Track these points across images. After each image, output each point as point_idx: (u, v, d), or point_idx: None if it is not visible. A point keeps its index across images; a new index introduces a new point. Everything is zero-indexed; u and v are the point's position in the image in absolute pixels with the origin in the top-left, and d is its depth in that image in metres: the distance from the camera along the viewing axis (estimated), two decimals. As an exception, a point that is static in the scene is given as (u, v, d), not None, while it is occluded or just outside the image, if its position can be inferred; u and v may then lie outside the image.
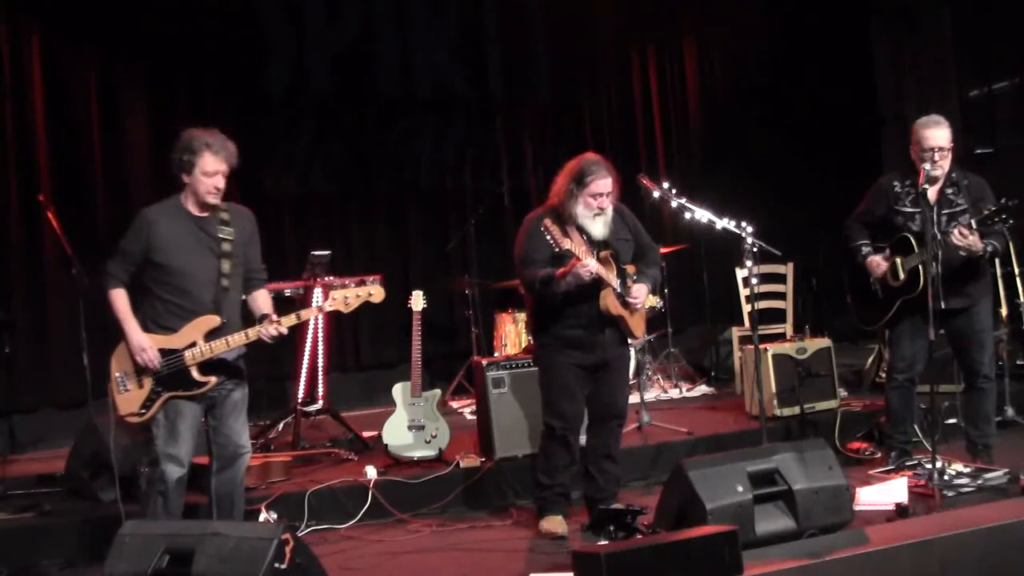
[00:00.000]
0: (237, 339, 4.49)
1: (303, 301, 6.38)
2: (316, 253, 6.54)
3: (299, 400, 6.71)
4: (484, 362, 5.89)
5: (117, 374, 4.51)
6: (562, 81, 9.66)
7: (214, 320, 4.49)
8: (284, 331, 4.53)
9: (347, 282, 4.71)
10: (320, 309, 4.73)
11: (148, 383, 4.46)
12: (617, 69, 10.01)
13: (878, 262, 5.46)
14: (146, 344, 4.42)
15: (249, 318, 4.64)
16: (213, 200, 4.49)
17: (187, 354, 4.44)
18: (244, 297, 4.71)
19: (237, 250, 4.56)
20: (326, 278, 6.57)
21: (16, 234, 7.35)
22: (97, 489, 5.42)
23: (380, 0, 8.89)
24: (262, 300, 4.72)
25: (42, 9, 7.50)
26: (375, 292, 4.68)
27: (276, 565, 3.53)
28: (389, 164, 8.92)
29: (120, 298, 4.52)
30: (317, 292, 6.54)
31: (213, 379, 4.50)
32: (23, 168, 7.36)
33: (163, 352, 4.43)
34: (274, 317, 4.54)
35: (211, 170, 4.44)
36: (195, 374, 4.46)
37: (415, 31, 9.05)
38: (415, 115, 9.02)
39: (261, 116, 8.00)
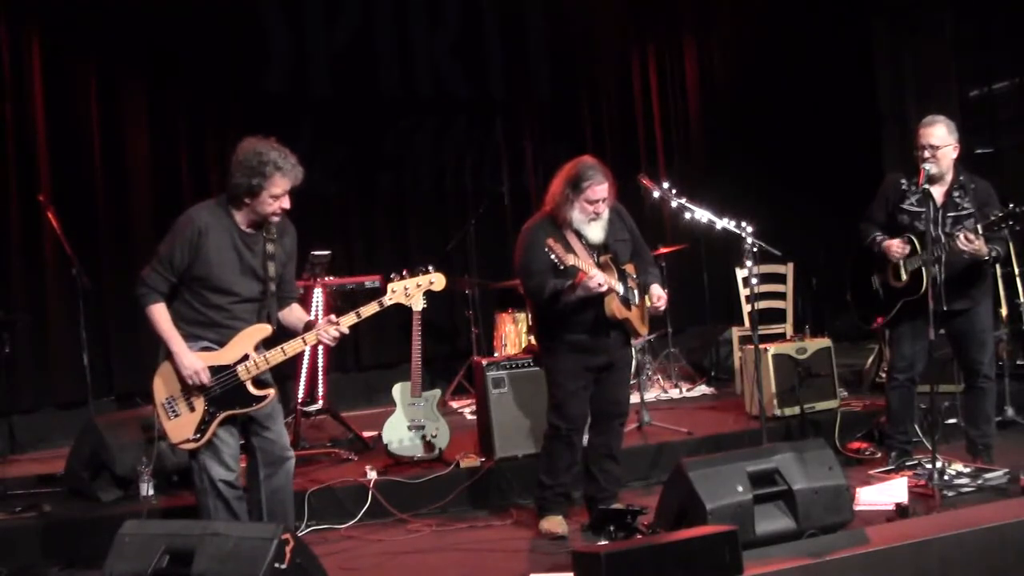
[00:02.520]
0: (294, 346, 4.26)
1: (303, 301, 6.37)
2: (316, 253, 6.54)
3: (299, 400, 6.70)
4: (484, 362, 5.89)
5: (164, 399, 4.22)
6: (562, 81, 9.66)
7: (265, 329, 4.28)
8: (345, 331, 4.28)
9: (404, 273, 4.42)
10: (380, 304, 4.34)
11: (200, 404, 4.20)
12: (617, 69, 10.01)
13: (896, 244, 5.32)
14: (199, 365, 4.16)
15: (280, 336, 4.39)
16: (276, 220, 4.27)
17: (240, 369, 4.21)
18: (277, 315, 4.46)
19: (278, 270, 4.35)
20: (326, 278, 6.58)
21: (16, 234, 7.35)
22: (97, 489, 5.41)
23: (380, 0, 8.90)
24: (298, 312, 4.51)
25: (42, 10, 7.50)
26: (436, 280, 4.41)
27: (276, 565, 3.52)
28: (389, 164, 8.92)
29: (162, 314, 4.21)
30: (317, 292, 6.54)
31: (271, 391, 4.29)
32: (23, 168, 7.36)
33: (212, 370, 4.19)
34: (333, 318, 4.31)
35: (279, 192, 4.19)
36: (251, 389, 4.24)
37: (415, 31, 9.05)
38: (415, 115, 9.02)
39: (261, 116, 7.98)
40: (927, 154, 5.25)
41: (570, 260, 4.53)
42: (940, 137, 5.27)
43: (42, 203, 6.56)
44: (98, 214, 7.69)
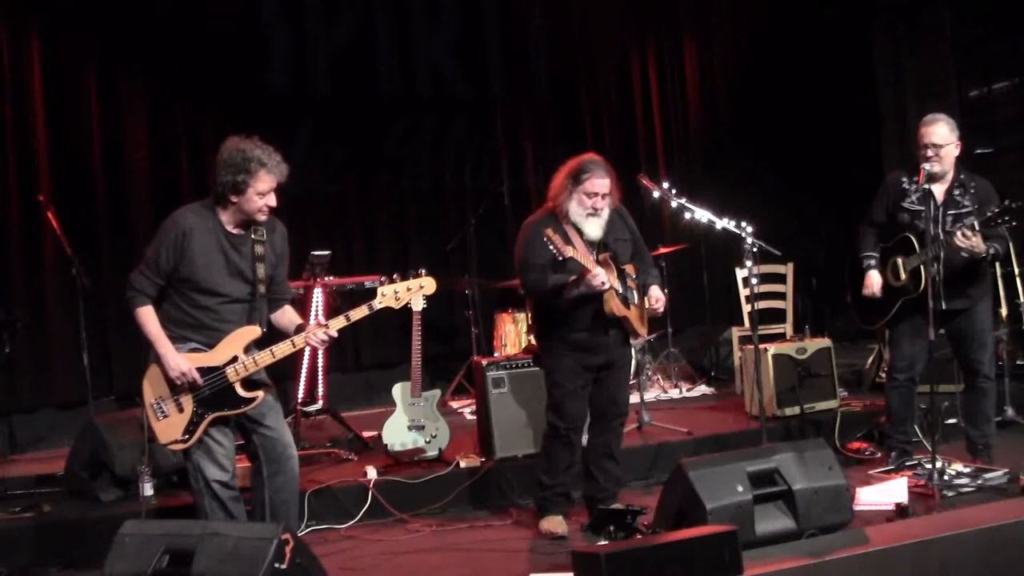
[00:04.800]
0: (283, 348, 4.26)
1: (303, 301, 6.38)
2: (316, 253, 6.54)
3: (299, 400, 6.70)
4: (484, 362, 5.89)
5: (152, 400, 4.25)
6: (562, 81, 9.66)
7: (254, 331, 4.28)
8: (334, 334, 4.28)
9: (394, 277, 4.40)
10: (370, 307, 4.33)
11: (189, 405, 4.21)
12: (617, 69, 10.02)
13: (872, 282, 5.46)
14: (185, 367, 4.17)
15: (273, 338, 4.39)
16: (263, 218, 4.26)
17: (229, 371, 4.22)
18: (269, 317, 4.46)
19: (268, 271, 4.34)
20: (326, 278, 6.57)
21: (16, 234, 7.34)
22: (97, 489, 5.42)
23: (380, 0, 8.89)
24: (291, 314, 4.49)
25: (42, 9, 7.50)
26: (427, 284, 4.39)
27: (276, 565, 3.53)
28: (389, 164, 8.92)
29: (149, 316, 4.23)
30: (317, 292, 6.54)
31: (260, 393, 4.28)
32: (23, 168, 7.36)
33: (201, 371, 4.20)
34: (322, 320, 4.29)
35: (265, 189, 4.19)
36: (240, 391, 4.25)
37: (415, 31, 9.05)
38: (415, 115, 9.02)
39: (260, 116, 7.98)
40: (930, 153, 5.25)
41: (568, 252, 4.55)
42: (942, 136, 5.27)
43: (42, 203, 6.56)
44: (98, 214, 7.69)
